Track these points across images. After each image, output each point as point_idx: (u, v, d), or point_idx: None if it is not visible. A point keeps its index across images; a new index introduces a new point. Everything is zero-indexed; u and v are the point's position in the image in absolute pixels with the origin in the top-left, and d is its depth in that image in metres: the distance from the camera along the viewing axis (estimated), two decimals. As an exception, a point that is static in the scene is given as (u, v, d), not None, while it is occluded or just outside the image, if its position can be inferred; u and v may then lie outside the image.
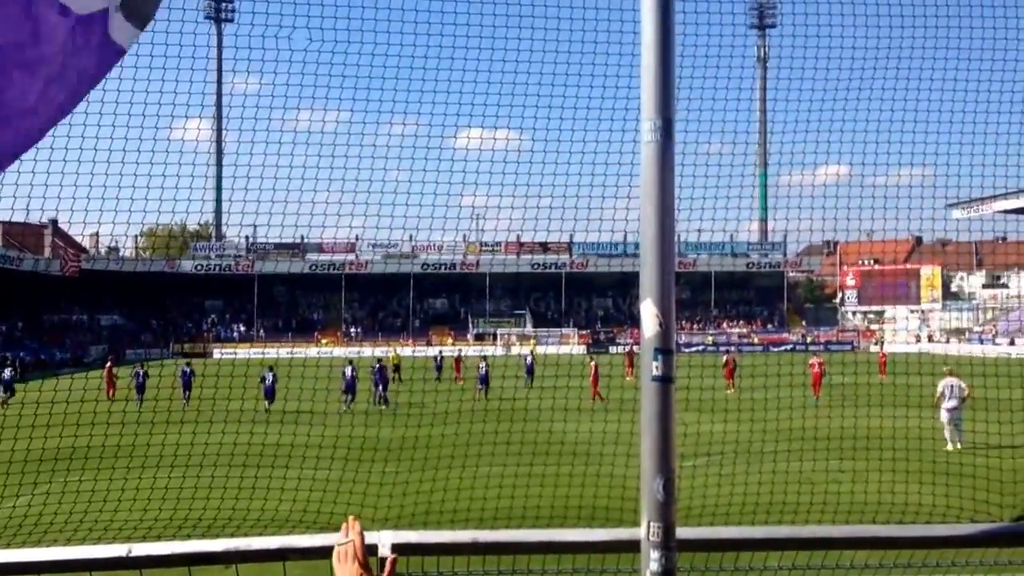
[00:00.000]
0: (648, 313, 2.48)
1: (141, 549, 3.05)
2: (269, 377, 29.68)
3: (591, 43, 12.85)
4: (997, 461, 16.23)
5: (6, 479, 13.03)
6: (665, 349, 2.47)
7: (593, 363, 33.43)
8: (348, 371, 31.46)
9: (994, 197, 46.78)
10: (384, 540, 3.09)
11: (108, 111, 10.08)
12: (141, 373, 32.70)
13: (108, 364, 35.69)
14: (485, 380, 34.96)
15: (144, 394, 31.10)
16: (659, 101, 2.53)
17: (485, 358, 37.63)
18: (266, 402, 28.55)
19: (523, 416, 21.41)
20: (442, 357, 49.60)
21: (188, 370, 31.76)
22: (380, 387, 32.66)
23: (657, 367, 2.47)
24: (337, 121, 18.05)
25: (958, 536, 3.57)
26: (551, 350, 64.96)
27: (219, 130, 66.07)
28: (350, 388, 31.11)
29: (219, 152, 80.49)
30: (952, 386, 21.12)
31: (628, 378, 31.17)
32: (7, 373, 35.59)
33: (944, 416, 20.98)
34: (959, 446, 19.97)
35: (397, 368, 41.72)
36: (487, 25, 11.19)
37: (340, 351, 56.92)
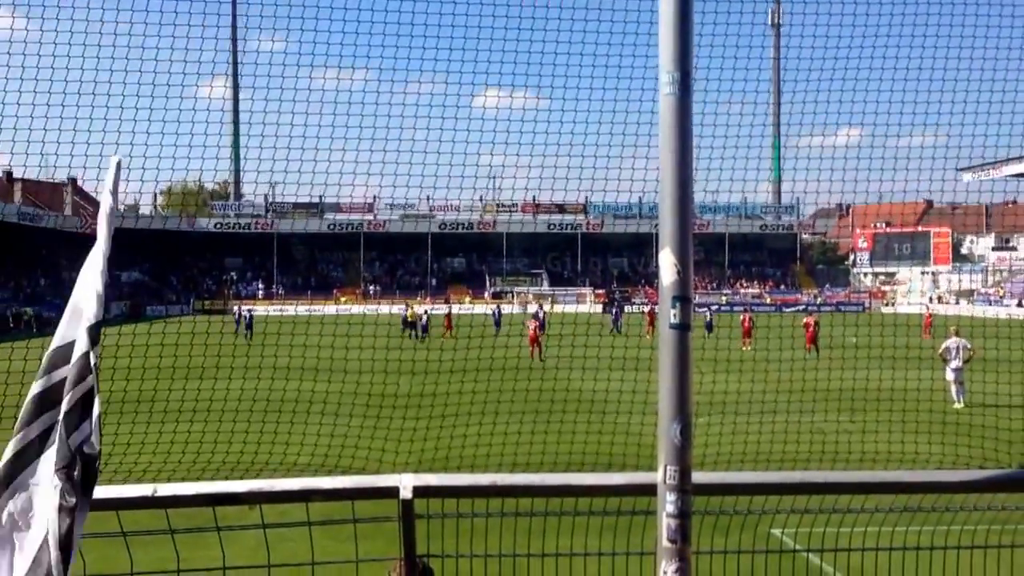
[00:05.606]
0: (667, 262, 2.50)
1: (166, 489, 3.08)
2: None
3: (608, 5, 12.71)
4: (1007, 412, 16.33)
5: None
6: (683, 297, 2.49)
7: (535, 322, 33.34)
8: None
9: (1007, 160, 45.71)
10: (405, 482, 3.11)
11: (128, 67, 10.08)
12: (248, 315, 41.41)
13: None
14: None
15: (252, 330, 37.70)
16: (678, 53, 2.51)
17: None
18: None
19: (541, 367, 21.51)
20: (500, 312, 48.74)
21: (249, 314, 40.38)
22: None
23: (675, 315, 2.49)
24: (352, 79, 18.05)
25: (967, 481, 3.62)
26: (569, 308, 66.04)
27: (235, 88, 65.28)
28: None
29: (235, 110, 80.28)
30: (958, 346, 21.22)
31: (647, 336, 31.03)
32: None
33: (950, 375, 21.14)
34: (962, 404, 20.15)
35: (412, 324, 41.67)
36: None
37: (359, 308, 57.42)
